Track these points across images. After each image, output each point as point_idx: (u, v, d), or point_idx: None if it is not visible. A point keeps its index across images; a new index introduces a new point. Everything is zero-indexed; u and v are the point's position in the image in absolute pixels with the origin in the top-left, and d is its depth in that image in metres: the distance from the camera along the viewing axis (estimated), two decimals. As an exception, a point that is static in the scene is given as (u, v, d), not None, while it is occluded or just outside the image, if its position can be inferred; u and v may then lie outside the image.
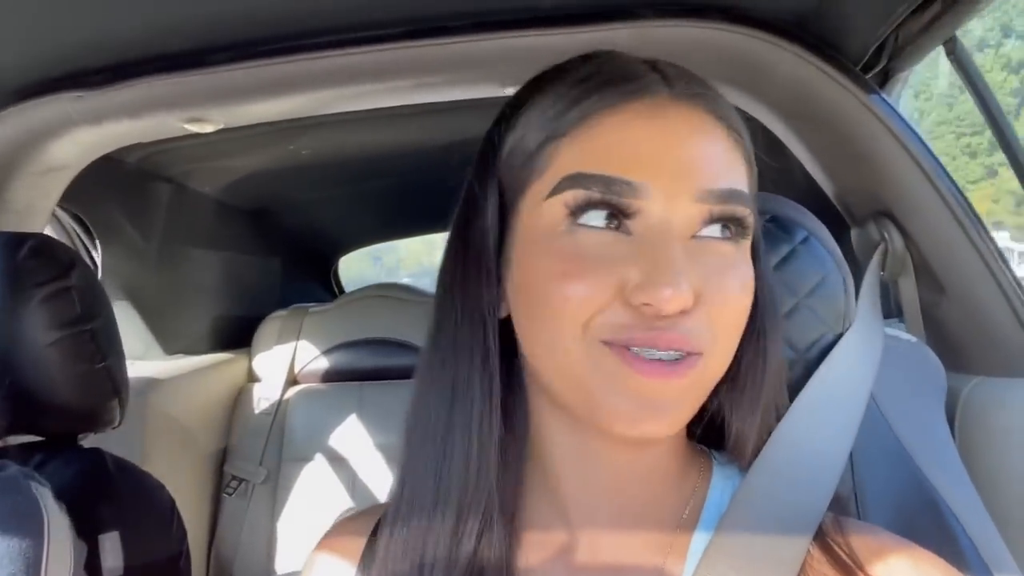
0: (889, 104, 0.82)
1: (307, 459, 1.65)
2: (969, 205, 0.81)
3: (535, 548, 0.48)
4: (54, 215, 1.39)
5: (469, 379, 0.46)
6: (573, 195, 0.42)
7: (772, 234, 0.62)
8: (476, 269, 0.47)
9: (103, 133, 1.02)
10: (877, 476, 0.60)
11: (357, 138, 1.56)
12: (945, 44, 0.78)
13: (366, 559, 0.51)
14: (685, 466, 0.50)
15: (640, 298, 0.40)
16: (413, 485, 0.48)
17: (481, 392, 0.46)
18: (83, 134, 1.01)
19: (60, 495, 0.65)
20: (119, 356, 0.83)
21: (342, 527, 0.55)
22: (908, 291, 0.83)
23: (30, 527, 0.55)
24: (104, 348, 0.79)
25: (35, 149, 1.03)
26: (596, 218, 0.42)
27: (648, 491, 0.48)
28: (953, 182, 0.80)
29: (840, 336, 0.61)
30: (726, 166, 0.44)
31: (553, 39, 0.85)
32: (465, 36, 0.87)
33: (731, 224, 0.44)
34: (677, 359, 0.41)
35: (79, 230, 1.45)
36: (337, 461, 1.64)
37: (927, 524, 0.57)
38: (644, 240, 0.42)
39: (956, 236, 0.79)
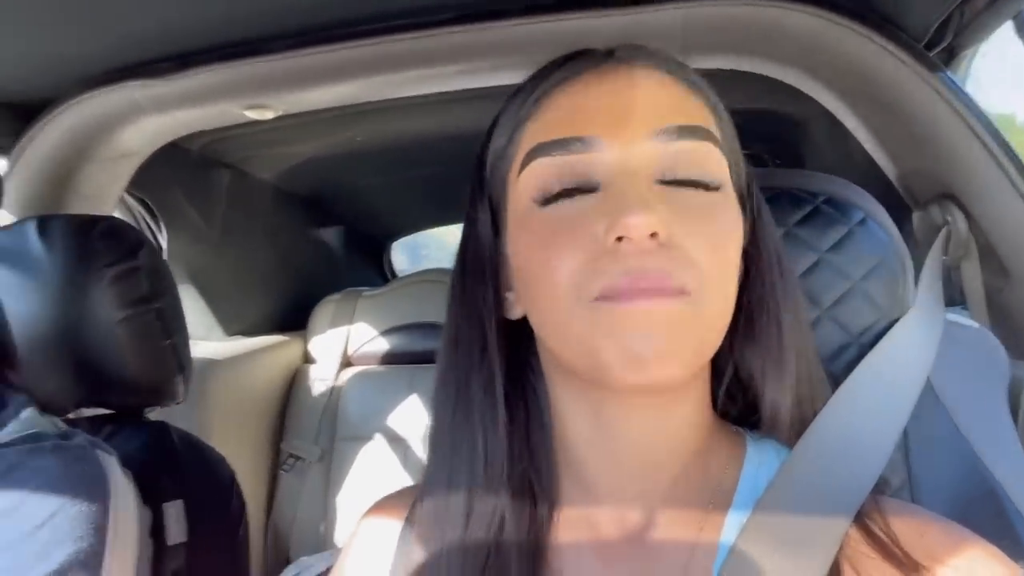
0: (954, 82, 0.79)
1: (360, 439, 1.69)
2: (1037, 187, 0.77)
3: (566, 529, 0.49)
4: (122, 200, 1.45)
5: (468, 377, 0.49)
6: (536, 169, 0.45)
7: (827, 215, 0.61)
8: (473, 275, 0.50)
9: (168, 120, 1.06)
10: (934, 464, 0.59)
11: (409, 125, 1.58)
12: (1015, 19, 0.75)
13: (404, 536, 0.52)
14: (715, 443, 0.50)
15: (611, 235, 0.41)
16: (432, 474, 0.51)
17: (481, 388, 0.48)
18: (150, 121, 1.05)
19: (127, 465, 0.68)
20: (183, 334, 0.86)
21: (384, 504, 0.57)
22: (972, 276, 0.80)
23: (96, 493, 0.58)
24: (170, 326, 0.82)
25: (105, 136, 1.08)
26: (562, 200, 0.44)
27: (676, 467, 0.48)
28: (1020, 163, 0.77)
29: (895, 321, 0.59)
30: (681, 107, 0.45)
31: (603, 21, 0.84)
32: (514, 20, 0.87)
33: (696, 182, 0.44)
34: (662, 288, 0.41)
35: (145, 215, 1.50)
36: (388, 441, 1.67)
37: (985, 513, 0.55)
38: (608, 189, 0.43)
39: (1022, 219, 0.76)
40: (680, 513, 0.47)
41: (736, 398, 0.52)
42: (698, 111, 0.46)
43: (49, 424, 0.63)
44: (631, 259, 0.41)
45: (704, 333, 0.43)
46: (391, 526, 0.53)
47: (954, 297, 0.87)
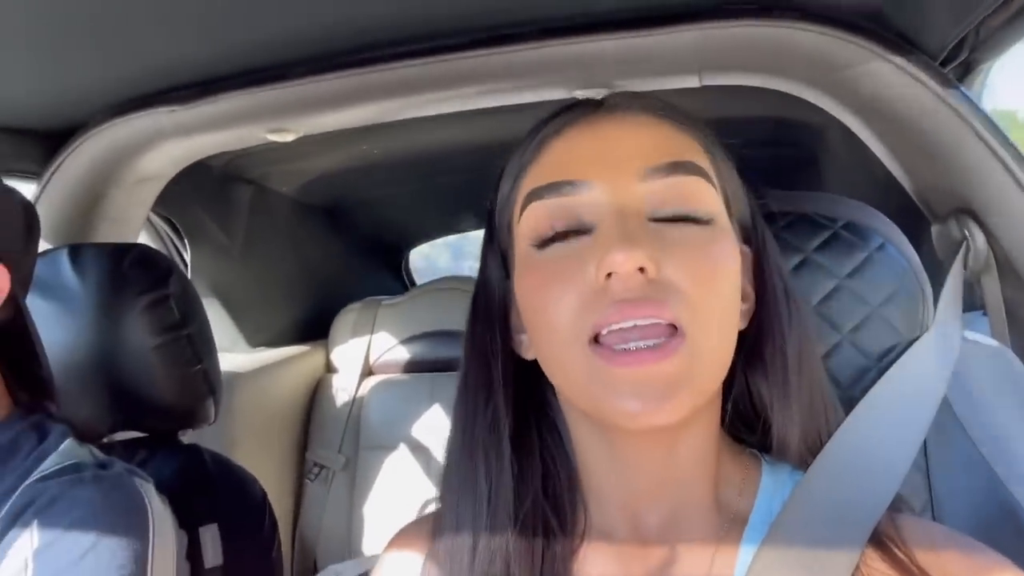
0: (969, 98, 0.79)
1: (383, 447, 1.71)
2: (1055, 201, 0.77)
3: (587, 559, 0.50)
4: (147, 219, 1.48)
5: (474, 418, 0.51)
6: (532, 214, 0.47)
7: (846, 241, 0.62)
8: (483, 319, 0.53)
9: (192, 144, 1.08)
10: (955, 486, 0.59)
11: (425, 136, 1.60)
12: (1032, 35, 0.75)
13: (424, 571, 0.54)
14: (730, 467, 0.51)
15: (601, 272, 0.42)
16: (443, 513, 0.53)
17: (486, 429, 0.50)
18: (174, 146, 1.08)
19: (161, 489, 0.70)
20: (213, 357, 0.88)
21: (405, 535, 0.58)
22: (992, 290, 0.80)
23: (137, 522, 0.60)
24: (200, 351, 0.84)
25: (130, 161, 1.10)
26: (558, 243, 0.46)
27: (692, 497, 0.49)
28: (1039, 177, 0.77)
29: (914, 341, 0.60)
30: (670, 145, 0.47)
31: (619, 43, 0.85)
32: (530, 43, 0.88)
33: (687, 218, 0.45)
34: (658, 345, 0.42)
35: (170, 232, 1.53)
36: (411, 449, 1.69)
37: (1007, 535, 0.56)
38: (600, 229, 0.45)
39: (1041, 234, 0.76)
40: (696, 538, 0.48)
41: (752, 423, 0.52)
42: (688, 148, 0.48)
43: (87, 453, 0.65)
44: (620, 292, 0.42)
45: (702, 374, 0.44)
46: (413, 560, 0.54)
47: (974, 303, 0.87)
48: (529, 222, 0.47)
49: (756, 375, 0.50)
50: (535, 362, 0.50)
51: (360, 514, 1.67)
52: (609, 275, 0.42)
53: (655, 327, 0.42)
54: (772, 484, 0.50)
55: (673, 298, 0.42)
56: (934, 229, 0.86)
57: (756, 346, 0.49)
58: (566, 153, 0.48)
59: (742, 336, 0.48)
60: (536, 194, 0.47)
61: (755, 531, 0.47)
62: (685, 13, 0.82)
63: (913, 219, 0.87)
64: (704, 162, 0.48)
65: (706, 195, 0.46)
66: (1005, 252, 0.79)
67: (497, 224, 0.53)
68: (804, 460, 0.49)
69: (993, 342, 0.69)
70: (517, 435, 0.51)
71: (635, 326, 0.42)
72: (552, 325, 0.45)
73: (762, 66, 0.87)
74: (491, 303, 0.52)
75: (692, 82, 0.92)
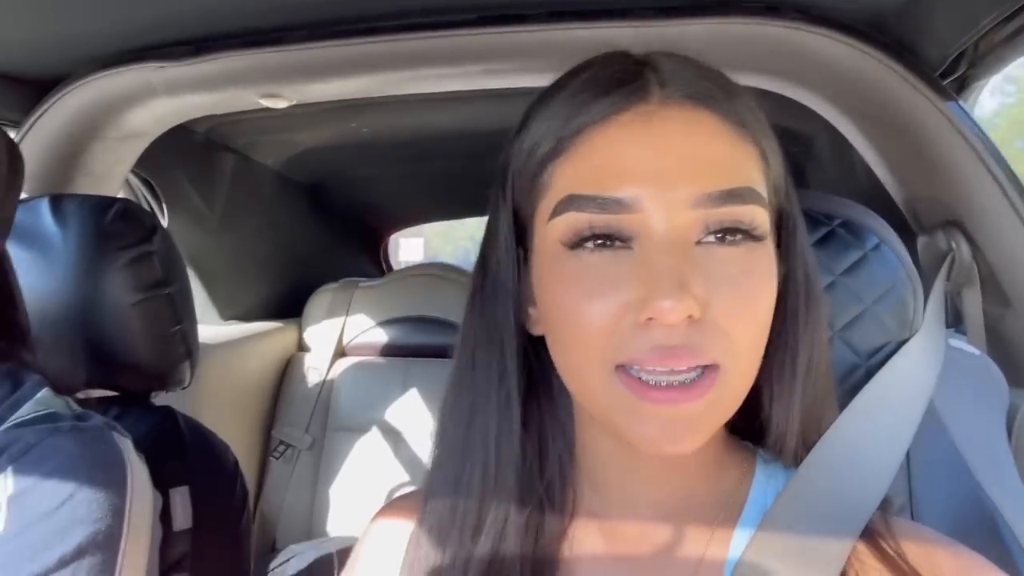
0: (966, 112, 0.80)
1: (351, 429, 1.69)
2: (1042, 219, 0.79)
3: (579, 539, 0.50)
4: (125, 179, 1.44)
5: (487, 398, 0.48)
6: (570, 220, 0.42)
7: (842, 239, 0.62)
8: (493, 289, 0.48)
9: (181, 103, 1.06)
10: (935, 487, 0.60)
11: (416, 119, 1.58)
12: (1030, 54, 0.77)
13: (413, 539, 0.53)
14: (726, 460, 0.51)
15: (644, 314, 0.40)
16: (438, 480, 0.51)
17: (498, 410, 0.48)
18: (162, 104, 1.05)
19: (135, 448, 0.68)
20: (192, 320, 0.86)
21: (395, 505, 0.57)
22: (972, 303, 0.82)
23: (115, 476, 0.58)
24: (180, 311, 0.83)
25: (115, 116, 1.07)
26: (592, 245, 0.42)
27: (688, 484, 0.49)
28: (1027, 195, 0.79)
29: (903, 344, 0.61)
30: (726, 166, 0.43)
31: (625, 31, 0.85)
32: (536, 25, 0.87)
33: (738, 230, 0.42)
34: (691, 380, 0.40)
35: (148, 195, 1.50)
36: (380, 433, 1.68)
37: (983, 539, 0.57)
38: (644, 254, 0.41)
39: (1026, 250, 0.78)
40: (691, 528, 0.48)
41: (746, 414, 0.53)
42: (747, 163, 0.44)
43: (64, 405, 0.63)
44: (661, 337, 0.40)
45: (731, 403, 0.43)
46: (402, 527, 0.53)
47: (949, 321, 0.89)
48: (564, 225, 0.43)
49: (762, 374, 0.48)
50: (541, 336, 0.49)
51: (323, 495, 1.65)
52: (651, 318, 0.40)
53: (691, 369, 0.40)
54: (765, 476, 0.50)
55: (714, 341, 0.40)
56: (920, 240, 0.87)
57: (768, 346, 0.47)
58: (612, 157, 0.42)
59: None
60: (577, 203, 0.42)
61: (749, 520, 0.48)
62: (695, 5, 0.83)
63: (897, 231, 0.89)
64: (758, 176, 0.44)
65: (757, 219, 0.43)
66: (990, 266, 0.81)
67: (515, 184, 0.48)
68: (798, 456, 0.49)
69: (976, 351, 0.70)
70: (523, 413, 0.49)
71: (671, 370, 0.40)
72: (579, 341, 0.42)
73: (764, 66, 0.88)
74: (503, 273, 0.48)
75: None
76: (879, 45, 0.80)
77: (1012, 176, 0.79)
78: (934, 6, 0.74)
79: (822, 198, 0.66)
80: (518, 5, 0.86)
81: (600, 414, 0.44)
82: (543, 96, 0.48)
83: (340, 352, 1.82)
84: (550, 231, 0.44)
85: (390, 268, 2.58)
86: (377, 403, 1.70)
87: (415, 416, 1.68)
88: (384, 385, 1.72)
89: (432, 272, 1.85)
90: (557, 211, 0.43)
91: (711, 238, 0.42)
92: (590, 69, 0.47)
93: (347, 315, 1.83)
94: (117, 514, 0.56)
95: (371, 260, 2.52)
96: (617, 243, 0.42)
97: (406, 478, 1.64)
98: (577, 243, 0.43)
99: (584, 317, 0.42)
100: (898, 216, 0.91)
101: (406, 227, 2.54)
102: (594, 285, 0.42)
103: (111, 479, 0.57)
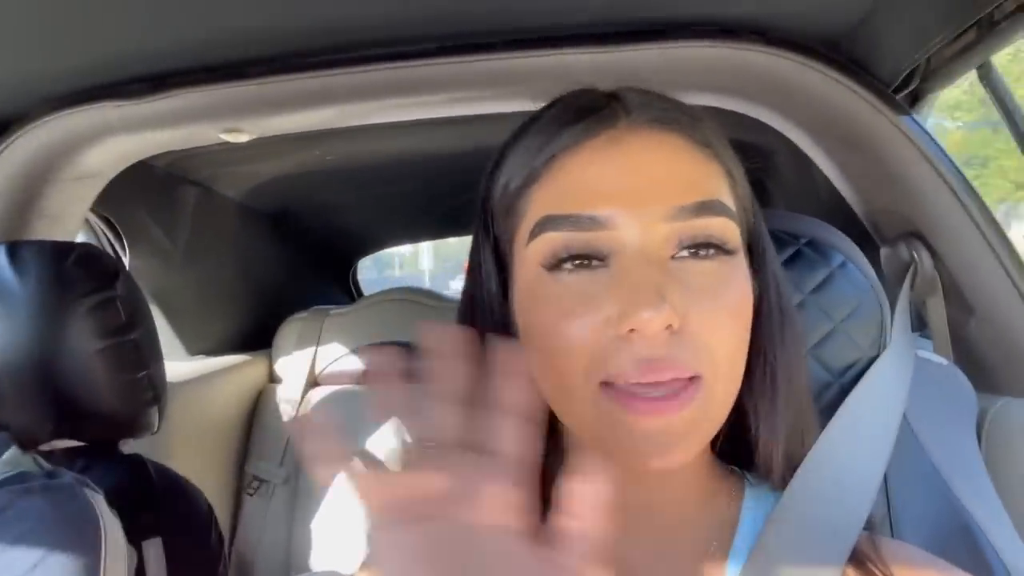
0: (920, 125, 0.82)
1: (327, 460, 1.66)
2: (998, 226, 0.81)
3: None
4: (84, 218, 1.41)
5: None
6: (547, 240, 0.43)
7: (809, 258, 0.63)
8: (482, 315, 0.49)
9: (140, 141, 1.04)
10: (912, 499, 0.61)
11: (381, 144, 1.58)
12: (979, 69, 0.79)
13: None
14: (715, 487, 0.51)
15: (624, 326, 0.40)
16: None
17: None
18: (120, 142, 1.03)
19: (106, 500, 0.66)
20: (159, 364, 0.85)
21: None
22: (936, 311, 0.84)
23: (88, 535, 0.56)
24: (146, 356, 0.81)
25: (72, 157, 1.05)
26: (571, 266, 0.43)
27: (680, 512, 0.49)
28: (982, 203, 0.81)
29: (874, 359, 0.62)
30: (696, 181, 0.44)
31: (583, 58, 0.86)
32: (496, 54, 0.88)
33: (710, 244, 0.43)
34: (675, 392, 0.41)
35: (108, 233, 1.47)
36: (358, 462, 1.65)
37: (961, 548, 0.58)
38: (621, 269, 0.42)
39: (985, 257, 0.80)
40: (682, 559, 0.48)
41: (732, 437, 0.53)
42: (715, 179, 0.45)
43: (31, 463, 0.61)
44: (643, 349, 0.40)
45: (716, 414, 0.44)
46: None
47: (913, 323, 0.91)
48: (541, 247, 0.44)
49: (745, 394, 0.48)
50: None
51: (302, 530, 1.62)
52: (632, 329, 0.40)
53: (674, 381, 0.41)
54: (753, 502, 0.51)
55: (695, 353, 0.41)
56: (883, 252, 0.89)
57: (748, 366, 0.48)
58: (585, 179, 0.44)
59: None
60: (552, 223, 0.43)
61: (741, 548, 0.48)
62: (650, 31, 0.84)
63: (859, 243, 0.90)
64: (726, 192, 0.46)
65: (730, 233, 0.44)
66: (951, 274, 0.82)
67: (494, 213, 0.49)
68: (784, 479, 0.50)
69: (942, 360, 0.71)
70: None
71: (655, 383, 0.41)
72: (561, 360, 0.43)
73: (721, 86, 0.89)
74: (488, 299, 0.49)
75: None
76: (833, 63, 0.81)
77: (967, 186, 0.81)
78: (887, 25, 0.76)
79: (785, 217, 0.67)
80: (477, 35, 0.86)
81: (587, 432, 0.45)
82: (517, 132, 0.50)
83: (313, 382, 1.79)
84: (529, 254, 0.45)
85: (360, 294, 2.56)
86: (353, 432, 1.68)
87: (392, 443, 1.66)
88: (359, 413, 1.69)
89: (403, 297, 1.84)
90: (534, 233, 0.44)
91: (685, 253, 0.43)
92: (559, 103, 0.49)
93: (318, 344, 1.80)
94: (91, 573, 0.55)
95: (340, 287, 2.50)
96: (595, 262, 0.43)
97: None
98: (555, 264, 0.43)
99: (565, 335, 0.42)
100: (862, 227, 0.93)
101: (374, 251, 2.52)
102: (574, 304, 0.42)
103: (84, 538, 0.56)
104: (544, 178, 0.45)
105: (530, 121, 0.49)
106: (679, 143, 0.45)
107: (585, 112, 0.46)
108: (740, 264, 0.45)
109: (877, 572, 0.45)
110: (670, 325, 0.40)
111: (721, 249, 0.44)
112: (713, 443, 0.52)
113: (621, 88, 0.49)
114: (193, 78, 0.93)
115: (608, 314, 0.41)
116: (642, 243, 0.42)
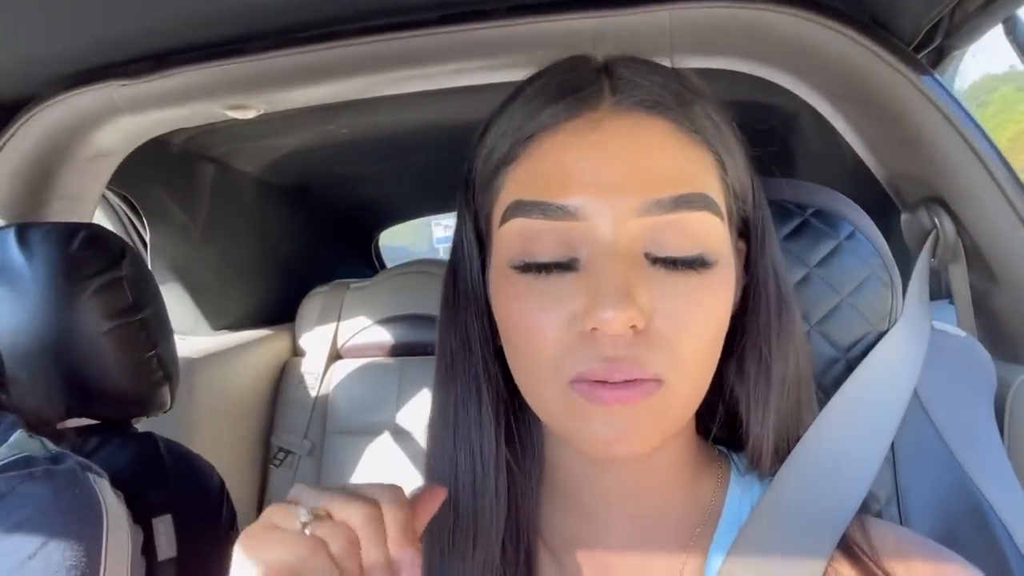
0: (942, 85, 0.78)
1: (351, 432, 1.69)
2: (1024, 190, 0.77)
3: (557, 564, 0.49)
4: (104, 197, 1.43)
5: (466, 406, 0.48)
6: (517, 226, 0.42)
7: (815, 229, 0.61)
8: (464, 297, 0.48)
9: (147, 120, 1.04)
10: (921, 479, 0.59)
11: (395, 116, 1.56)
12: (1004, 23, 0.74)
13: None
14: (700, 472, 0.50)
15: (587, 324, 0.39)
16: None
17: (478, 418, 0.48)
18: (128, 121, 1.03)
19: (115, 481, 0.68)
20: (169, 342, 0.85)
21: None
22: (959, 279, 0.80)
23: (90, 521, 0.57)
24: (155, 336, 0.81)
25: (82, 136, 1.06)
26: (538, 267, 0.42)
27: (661, 500, 0.48)
28: (1008, 167, 0.77)
29: (884, 334, 0.59)
30: (677, 172, 0.41)
31: (589, 22, 0.83)
32: (500, 20, 0.85)
33: (687, 262, 0.41)
34: (633, 381, 0.40)
35: (128, 211, 1.48)
36: (379, 434, 1.67)
37: (971, 529, 0.56)
38: (590, 264, 0.41)
39: (1010, 223, 0.76)
40: (666, 547, 0.47)
41: (723, 421, 0.51)
42: (699, 170, 0.42)
43: (38, 446, 0.62)
44: (607, 348, 0.39)
45: (673, 417, 0.43)
46: None
47: (940, 291, 0.87)
48: (511, 235, 0.43)
49: (736, 381, 0.48)
50: None
51: (326, 499, 1.65)
52: (595, 328, 0.39)
53: (633, 383, 0.40)
54: (739, 488, 0.50)
55: (659, 354, 0.40)
56: (904, 217, 0.86)
57: (740, 355, 0.47)
58: (560, 164, 0.42)
59: (728, 333, 0.45)
60: (522, 208, 0.42)
61: (724, 537, 0.47)
62: (658, -8, 0.80)
63: (883, 206, 0.87)
64: (712, 183, 0.43)
65: (710, 232, 0.41)
66: (974, 241, 0.79)
67: (475, 190, 0.48)
68: (774, 468, 0.48)
69: (960, 332, 0.68)
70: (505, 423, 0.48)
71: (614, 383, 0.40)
72: (532, 358, 0.42)
73: (735, 49, 0.86)
74: (470, 280, 0.48)
75: (664, 63, 0.90)
76: (849, 21, 0.77)
77: (993, 148, 0.77)
78: (904, -22, 0.72)
79: (794, 186, 0.64)
80: (478, 1, 0.84)
81: (554, 424, 0.44)
82: (504, 102, 0.47)
83: (335, 355, 1.81)
84: (501, 241, 0.44)
85: (383, 266, 2.56)
86: (375, 404, 1.70)
87: (414, 414, 1.67)
88: (382, 385, 1.71)
89: (423, 269, 1.84)
90: (505, 216, 0.43)
91: (660, 267, 0.41)
92: (546, 75, 0.47)
93: (340, 317, 1.82)
94: (93, 560, 0.56)
95: (362, 259, 2.51)
96: (564, 269, 0.41)
97: (410, 477, 1.64)
98: (523, 268, 0.42)
99: (534, 331, 0.41)
100: (885, 193, 0.90)
101: (395, 223, 2.52)
102: (544, 299, 0.41)
103: (85, 524, 0.57)
104: (521, 157, 0.44)
105: (516, 91, 0.47)
106: (664, 129, 0.42)
107: (568, 90, 0.43)
108: (719, 274, 0.42)
109: (863, 557, 0.44)
110: (634, 325, 0.39)
111: (695, 267, 0.41)
112: (705, 427, 0.51)
113: (616, 59, 0.46)
114: (194, 55, 0.92)
115: (574, 311, 0.40)
116: (614, 237, 0.40)
